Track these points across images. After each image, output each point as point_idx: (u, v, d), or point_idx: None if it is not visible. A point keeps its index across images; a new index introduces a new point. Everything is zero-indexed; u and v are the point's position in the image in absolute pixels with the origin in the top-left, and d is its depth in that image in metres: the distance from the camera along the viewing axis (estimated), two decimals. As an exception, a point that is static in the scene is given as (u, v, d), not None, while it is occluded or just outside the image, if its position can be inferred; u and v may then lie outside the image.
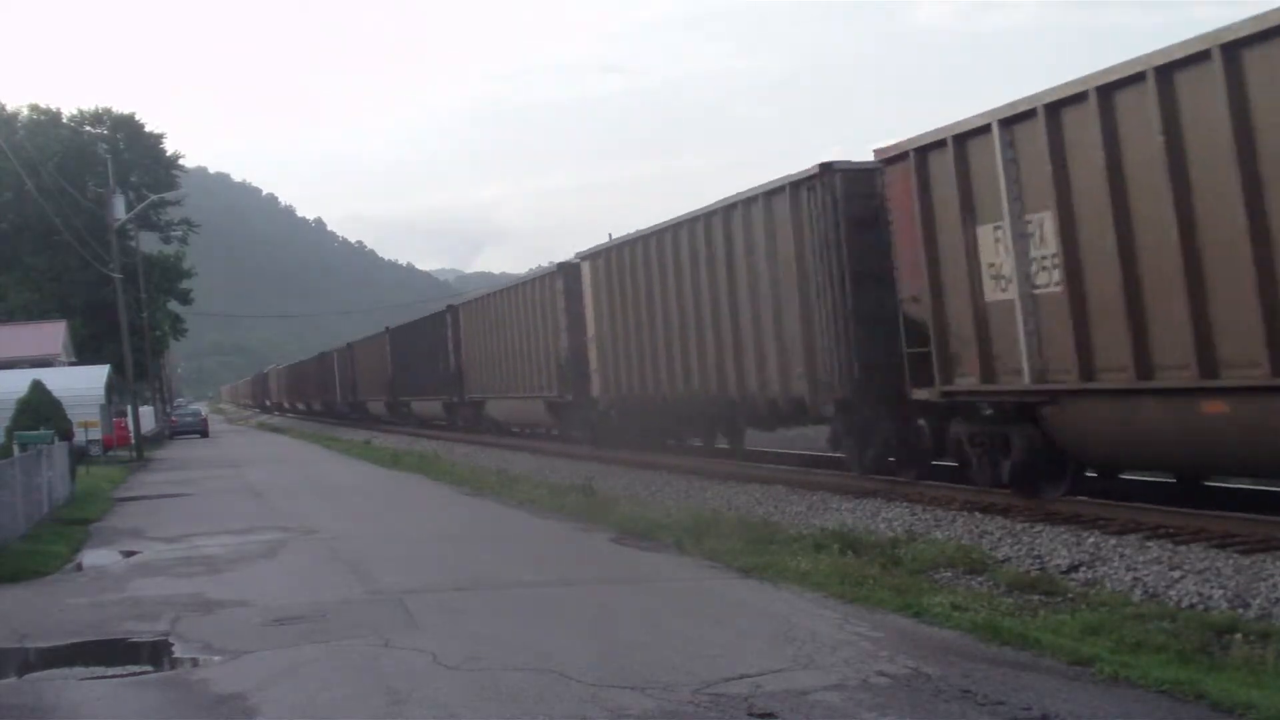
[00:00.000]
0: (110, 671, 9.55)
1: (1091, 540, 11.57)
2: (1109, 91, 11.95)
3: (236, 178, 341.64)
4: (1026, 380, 13.39)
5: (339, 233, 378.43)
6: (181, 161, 63.94)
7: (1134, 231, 11.84)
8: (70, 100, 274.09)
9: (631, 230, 25.35)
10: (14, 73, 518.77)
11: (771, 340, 18.38)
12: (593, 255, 26.52)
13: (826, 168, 16.47)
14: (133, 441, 42.90)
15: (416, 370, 46.54)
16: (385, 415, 56.20)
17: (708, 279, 20.52)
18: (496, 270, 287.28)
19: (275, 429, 75.49)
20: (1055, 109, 12.68)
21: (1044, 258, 13.05)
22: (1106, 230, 12.06)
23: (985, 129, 13.66)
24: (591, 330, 26.41)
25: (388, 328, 53.59)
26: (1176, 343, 11.37)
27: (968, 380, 14.41)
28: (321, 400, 77.50)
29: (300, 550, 15.60)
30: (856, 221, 16.27)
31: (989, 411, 14.55)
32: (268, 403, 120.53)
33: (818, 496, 16.61)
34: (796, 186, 17.25)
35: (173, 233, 63.85)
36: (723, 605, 10.24)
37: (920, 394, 15.16)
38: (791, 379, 17.86)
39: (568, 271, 28.84)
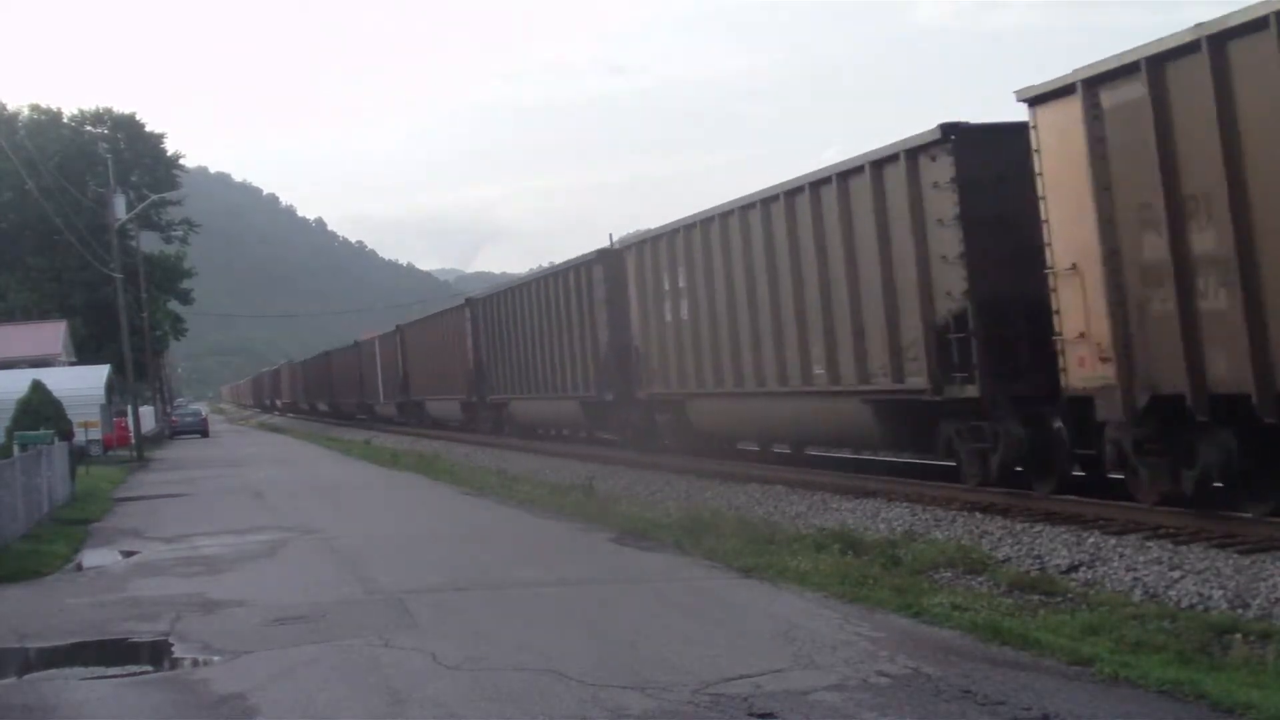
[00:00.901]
0: (110, 671, 9.55)
1: (1091, 540, 11.56)
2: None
3: (237, 178, 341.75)
4: None
5: (339, 233, 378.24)
6: (182, 161, 64.13)
7: None
8: (70, 100, 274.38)
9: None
10: (14, 73, 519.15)
11: None
12: (1080, 85, 12.18)
13: None
14: (133, 441, 42.88)
15: (521, 357, 32.42)
16: (458, 419, 41.85)
17: None
18: (497, 270, 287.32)
19: (276, 429, 75.48)
20: None
21: None
22: None
23: None
24: (1083, 245, 12.35)
25: (467, 299, 40.34)
26: None
27: None
28: (356, 400, 62.83)
29: (300, 550, 15.60)
30: None
31: None
32: (279, 403, 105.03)
33: (818, 497, 16.60)
34: None
35: (173, 233, 63.94)
36: (723, 605, 10.24)
37: None
38: None
39: (967, 140, 14.36)
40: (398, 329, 51.67)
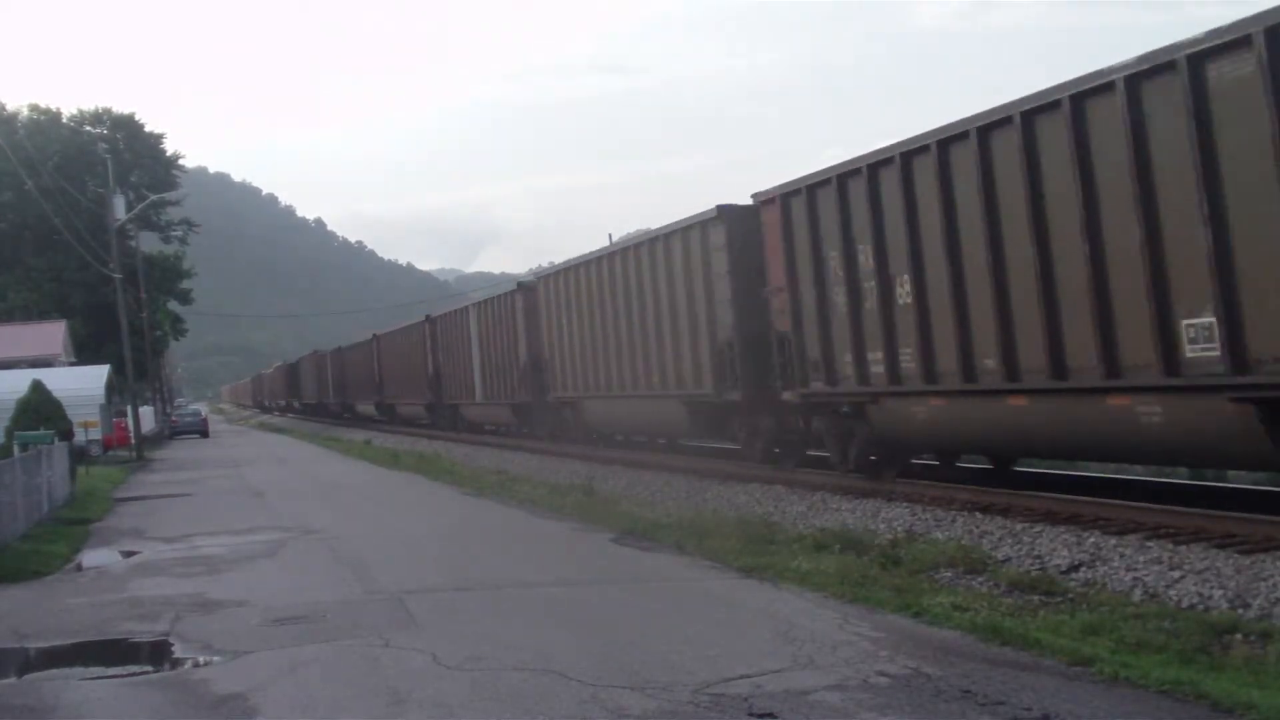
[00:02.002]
0: (110, 671, 9.56)
1: (1091, 540, 11.57)
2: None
3: (236, 178, 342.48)
4: None
5: (339, 232, 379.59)
6: (181, 161, 64.25)
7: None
8: (70, 100, 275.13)
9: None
10: (14, 73, 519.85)
11: None
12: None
13: None
14: (132, 441, 42.92)
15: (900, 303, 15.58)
16: (678, 429, 23.72)
17: None
18: (496, 270, 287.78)
19: (276, 429, 75.42)
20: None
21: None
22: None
23: None
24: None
25: (709, 219, 20.78)
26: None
27: None
28: (427, 400, 45.01)
29: (300, 550, 15.60)
30: None
31: None
32: (297, 404, 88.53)
33: (818, 497, 16.60)
34: None
35: (173, 233, 64.06)
36: (723, 605, 10.24)
37: None
38: None
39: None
40: (520, 287, 33.47)
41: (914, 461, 17.63)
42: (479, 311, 37.63)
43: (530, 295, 31.96)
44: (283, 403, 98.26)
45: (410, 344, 47.74)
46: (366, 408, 59.49)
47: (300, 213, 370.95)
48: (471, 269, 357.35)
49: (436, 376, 43.42)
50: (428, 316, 45.43)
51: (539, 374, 31.33)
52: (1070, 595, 9.96)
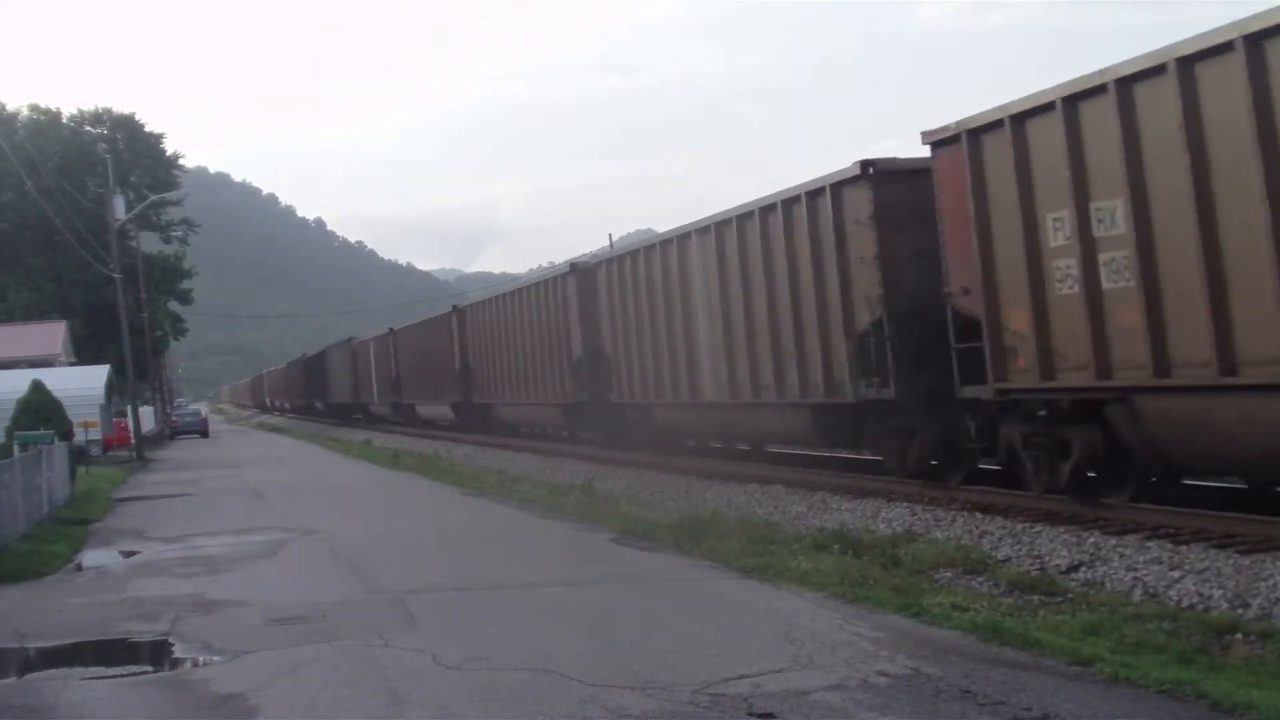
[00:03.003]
0: (110, 671, 9.57)
1: (1091, 540, 11.56)
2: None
3: (236, 177, 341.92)
4: None
5: (339, 232, 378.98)
6: (181, 161, 64.18)
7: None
8: (70, 100, 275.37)
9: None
10: (14, 73, 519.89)
11: None
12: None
13: None
14: (132, 442, 42.91)
15: None
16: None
17: None
18: (497, 270, 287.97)
19: (275, 429, 75.40)
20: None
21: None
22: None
23: None
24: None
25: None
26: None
27: None
28: (560, 397, 28.88)
29: (300, 550, 15.60)
30: None
31: None
32: (319, 404, 71.52)
33: (818, 497, 16.60)
34: None
35: (173, 233, 64.01)
36: (723, 605, 10.24)
37: None
38: None
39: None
40: (836, 188, 16.57)
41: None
42: (688, 245, 21.51)
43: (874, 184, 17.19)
44: (297, 403, 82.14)
45: (531, 315, 30.81)
46: (436, 409, 42.09)
47: (300, 213, 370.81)
48: (471, 269, 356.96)
49: (594, 358, 26.66)
50: (573, 265, 28.92)
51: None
52: (1070, 595, 9.96)
